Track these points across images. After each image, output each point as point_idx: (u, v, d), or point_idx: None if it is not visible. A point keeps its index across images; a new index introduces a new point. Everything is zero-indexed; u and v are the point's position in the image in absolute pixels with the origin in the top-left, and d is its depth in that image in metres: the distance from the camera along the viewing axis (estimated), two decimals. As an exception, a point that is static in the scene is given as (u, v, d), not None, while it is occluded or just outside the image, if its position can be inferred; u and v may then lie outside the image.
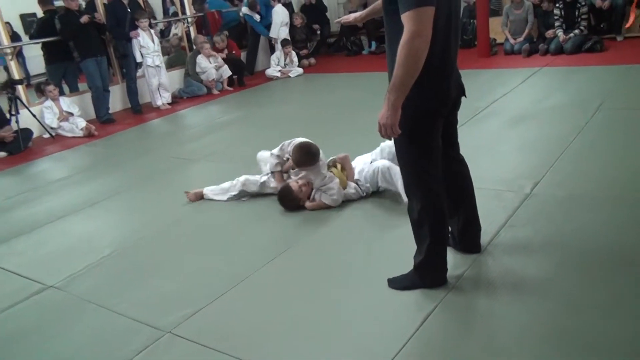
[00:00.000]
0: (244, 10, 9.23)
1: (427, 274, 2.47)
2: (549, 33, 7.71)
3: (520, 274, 2.53)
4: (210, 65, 8.19)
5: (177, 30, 9.85)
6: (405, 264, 2.53)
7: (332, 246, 3.08)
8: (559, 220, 2.99)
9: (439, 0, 2.02)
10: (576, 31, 7.40)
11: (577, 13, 7.46)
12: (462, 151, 2.61)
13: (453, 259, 2.65)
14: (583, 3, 7.48)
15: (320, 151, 3.58)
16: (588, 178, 3.48)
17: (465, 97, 2.45)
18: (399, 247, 2.77)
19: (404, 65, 1.99)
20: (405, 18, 1.97)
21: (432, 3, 1.97)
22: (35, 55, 8.55)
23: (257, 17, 9.20)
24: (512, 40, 8.02)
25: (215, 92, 8.20)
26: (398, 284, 2.53)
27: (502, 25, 8.22)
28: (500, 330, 2.19)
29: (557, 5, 7.59)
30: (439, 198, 2.36)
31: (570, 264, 2.55)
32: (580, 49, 7.32)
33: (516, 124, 4.78)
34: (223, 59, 8.36)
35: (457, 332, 2.22)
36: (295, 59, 9.02)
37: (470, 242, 2.72)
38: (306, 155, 3.53)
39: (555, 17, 7.61)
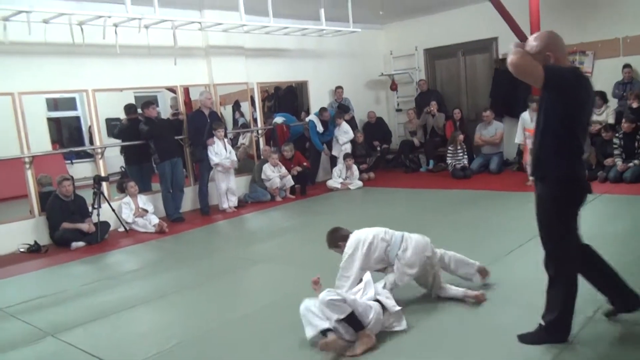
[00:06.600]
0: (311, 116, 9.85)
1: (555, 332, 2.93)
2: (608, 161, 7.84)
3: None
4: (275, 174, 8.71)
5: (244, 140, 10.59)
6: None
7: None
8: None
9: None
10: (636, 161, 7.51)
11: (636, 144, 7.61)
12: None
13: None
14: (643, 134, 7.65)
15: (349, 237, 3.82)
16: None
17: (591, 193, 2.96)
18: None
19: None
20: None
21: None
22: (112, 155, 9.35)
23: (321, 128, 9.75)
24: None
25: (278, 199, 8.65)
26: (527, 339, 3.00)
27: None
28: None
29: (617, 135, 7.79)
30: (574, 267, 2.92)
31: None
32: (640, 179, 7.39)
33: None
34: (293, 175, 8.89)
35: None
36: (356, 172, 9.46)
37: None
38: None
39: (615, 146, 7.77)
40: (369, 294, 3.39)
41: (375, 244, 3.72)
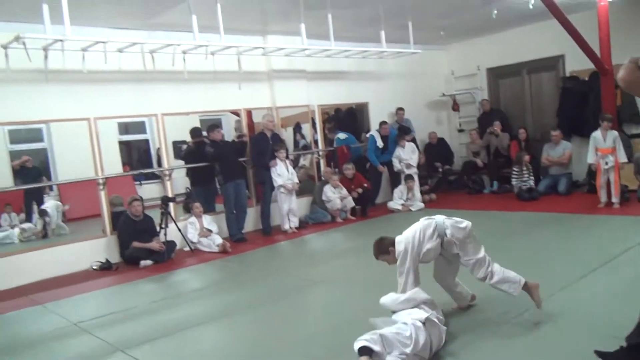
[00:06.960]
0: (372, 131, 9.83)
1: (637, 356, 2.72)
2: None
3: None
4: (336, 196, 8.74)
5: (305, 161, 10.71)
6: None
7: None
8: None
9: None
10: None
11: None
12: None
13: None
14: None
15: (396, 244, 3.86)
16: None
17: None
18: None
19: None
20: None
21: None
22: (177, 177, 9.69)
23: (381, 143, 9.71)
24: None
25: (339, 220, 8.66)
26: (605, 357, 2.84)
27: (634, 172, 8.05)
28: None
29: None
30: None
31: None
32: None
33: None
34: (354, 197, 8.88)
35: None
36: (418, 193, 9.34)
37: None
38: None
39: None
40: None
41: (423, 229, 3.86)
